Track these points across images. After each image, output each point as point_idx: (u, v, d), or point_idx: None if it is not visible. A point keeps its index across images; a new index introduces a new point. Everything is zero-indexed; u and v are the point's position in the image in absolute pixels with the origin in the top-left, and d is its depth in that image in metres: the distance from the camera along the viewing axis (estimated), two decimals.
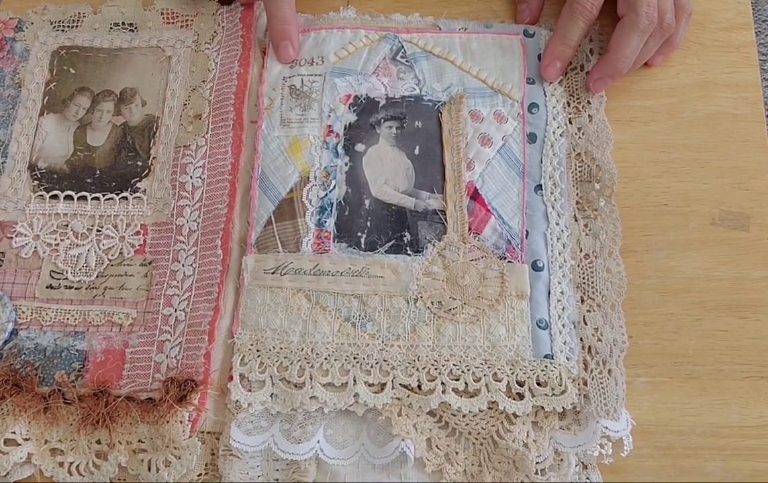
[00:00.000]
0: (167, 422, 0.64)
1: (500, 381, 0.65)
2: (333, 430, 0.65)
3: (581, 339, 0.67)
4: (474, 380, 0.65)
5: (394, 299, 0.68)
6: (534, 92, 0.77)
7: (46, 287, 0.71)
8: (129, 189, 0.75)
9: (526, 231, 0.71)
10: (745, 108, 0.79)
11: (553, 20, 0.82)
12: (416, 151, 0.74)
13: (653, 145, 0.78)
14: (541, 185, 0.73)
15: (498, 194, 0.72)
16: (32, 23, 0.83)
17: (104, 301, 0.70)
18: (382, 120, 0.75)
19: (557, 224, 0.72)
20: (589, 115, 0.77)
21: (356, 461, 0.64)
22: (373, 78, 0.77)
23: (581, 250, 0.71)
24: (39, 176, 0.76)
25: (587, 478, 0.64)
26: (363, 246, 0.70)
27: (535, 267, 0.69)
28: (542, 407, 0.64)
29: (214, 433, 0.66)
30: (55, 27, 0.83)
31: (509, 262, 0.69)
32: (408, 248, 0.70)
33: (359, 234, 0.71)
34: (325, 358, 0.66)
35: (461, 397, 0.64)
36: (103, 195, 0.74)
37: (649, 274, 0.72)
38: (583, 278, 0.70)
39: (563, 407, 0.64)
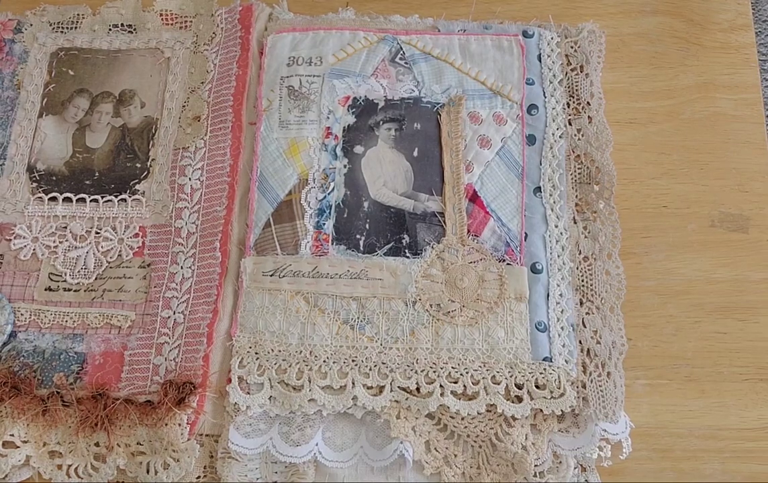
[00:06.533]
0: (166, 425, 0.64)
1: (499, 384, 0.65)
2: (332, 432, 0.65)
3: (580, 341, 0.67)
4: (473, 383, 0.65)
5: (393, 302, 0.68)
6: (533, 93, 0.77)
7: (45, 289, 0.71)
8: (128, 191, 0.75)
9: (525, 233, 0.71)
10: (745, 109, 0.79)
11: (554, 20, 0.82)
12: (415, 153, 0.74)
13: (652, 147, 0.77)
14: (540, 187, 0.73)
15: (497, 196, 0.72)
16: (31, 25, 0.83)
17: (103, 303, 0.70)
18: (381, 122, 0.75)
19: (556, 226, 0.71)
20: (588, 117, 0.77)
21: (355, 463, 0.64)
22: (372, 80, 0.77)
23: (580, 253, 0.71)
24: (38, 178, 0.76)
25: (586, 481, 0.64)
26: (362, 248, 0.70)
27: (534, 269, 0.69)
28: (541, 410, 0.64)
29: (212, 435, 0.66)
30: (54, 28, 0.83)
31: (508, 264, 0.69)
32: (407, 250, 0.70)
33: (358, 236, 0.70)
34: (324, 361, 0.66)
35: (460, 399, 0.64)
36: (102, 197, 0.74)
37: (649, 276, 0.72)
38: (582, 280, 0.70)
39: (562, 410, 0.64)
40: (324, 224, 0.71)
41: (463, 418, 0.64)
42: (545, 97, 0.77)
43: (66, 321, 0.70)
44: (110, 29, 0.83)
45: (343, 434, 0.65)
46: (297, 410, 0.64)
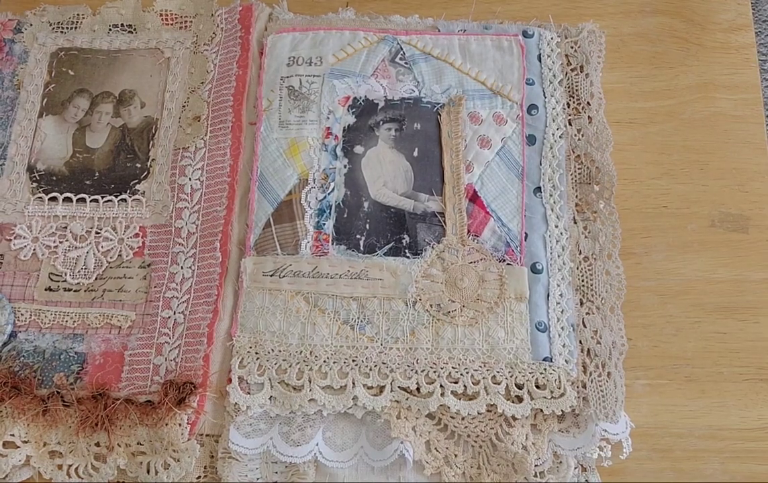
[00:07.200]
0: (166, 425, 0.64)
1: (499, 384, 0.65)
2: (332, 432, 0.65)
3: (580, 342, 0.67)
4: (473, 383, 0.65)
5: (393, 302, 0.68)
6: (533, 93, 0.77)
7: (45, 289, 0.71)
8: (128, 191, 0.75)
9: (525, 233, 0.71)
10: (745, 109, 0.79)
11: (554, 20, 0.82)
12: (415, 154, 0.74)
13: (653, 147, 0.77)
14: (540, 187, 0.73)
15: (497, 196, 0.72)
16: (31, 25, 0.83)
17: (103, 303, 0.70)
18: (381, 122, 0.75)
19: (556, 227, 0.71)
20: (588, 117, 0.77)
21: (355, 464, 0.64)
22: (372, 80, 0.77)
23: (580, 253, 0.71)
24: (38, 178, 0.76)
25: (586, 481, 0.64)
26: (362, 248, 0.70)
27: (534, 269, 0.69)
28: (541, 410, 0.64)
29: (212, 435, 0.66)
30: (54, 28, 0.83)
31: (508, 264, 0.69)
32: (407, 250, 0.70)
33: (358, 236, 0.70)
34: (324, 361, 0.66)
35: (460, 399, 0.64)
36: (102, 197, 0.74)
37: (649, 276, 0.72)
38: (583, 281, 0.70)
39: (562, 410, 0.64)
40: (324, 224, 0.71)
41: (463, 418, 0.64)
42: (545, 97, 0.77)
43: (66, 321, 0.70)
44: (110, 29, 0.83)
45: (343, 434, 0.65)
46: (297, 410, 0.64)
